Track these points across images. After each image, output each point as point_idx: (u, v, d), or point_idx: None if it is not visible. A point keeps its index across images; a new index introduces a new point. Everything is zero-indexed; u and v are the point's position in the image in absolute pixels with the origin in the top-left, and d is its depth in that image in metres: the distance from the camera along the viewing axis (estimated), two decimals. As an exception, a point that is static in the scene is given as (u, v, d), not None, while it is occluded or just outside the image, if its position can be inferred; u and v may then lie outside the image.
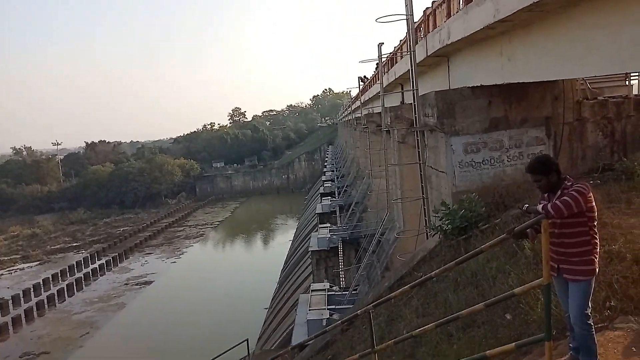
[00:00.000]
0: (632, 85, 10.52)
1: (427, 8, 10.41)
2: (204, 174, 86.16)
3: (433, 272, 4.09)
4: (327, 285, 19.13)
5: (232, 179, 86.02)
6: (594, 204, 3.70)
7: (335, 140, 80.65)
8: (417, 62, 11.34)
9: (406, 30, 10.83)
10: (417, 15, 11.16)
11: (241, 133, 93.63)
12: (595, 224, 3.75)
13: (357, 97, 34.90)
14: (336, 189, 40.64)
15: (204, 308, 36.69)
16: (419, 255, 9.24)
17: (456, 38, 8.20)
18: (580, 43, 5.44)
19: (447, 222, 8.76)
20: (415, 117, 10.80)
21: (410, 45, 10.64)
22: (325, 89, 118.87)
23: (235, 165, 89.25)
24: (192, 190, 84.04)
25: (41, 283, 44.15)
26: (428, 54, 10.46)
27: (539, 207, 3.66)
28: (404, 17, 10.44)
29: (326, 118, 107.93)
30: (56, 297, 41.86)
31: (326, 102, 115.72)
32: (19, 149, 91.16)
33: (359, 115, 32.22)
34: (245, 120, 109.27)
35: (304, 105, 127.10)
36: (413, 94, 10.61)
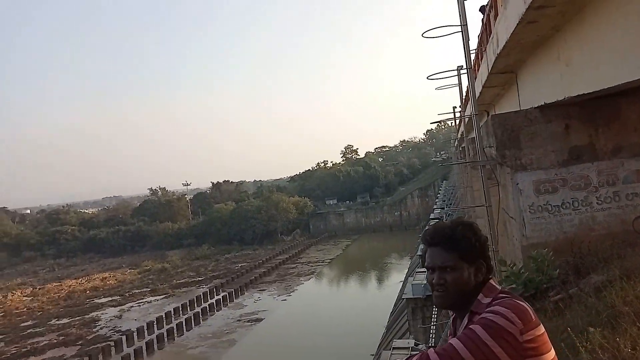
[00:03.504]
0: None
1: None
2: (317, 211, 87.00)
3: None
4: (411, 342, 16.77)
5: (344, 216, 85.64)
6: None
7: (450, 175, 76.62)
8: (484, 82, 9.31)
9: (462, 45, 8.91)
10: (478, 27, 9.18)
11: (353, 170, 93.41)
12: None
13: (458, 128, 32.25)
14: (443, 228, 37.47)
15: (311, 350, 35.80)
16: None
17: (502, 44, 6.22)
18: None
19: (507, 287, 6.55)
20: (477, 149, 8.71)
21: (466, 61, 8.69)
22: (440, 123, 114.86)
23: (347, 202, 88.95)
24: (306, 227, 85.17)
25: (164, 316, 46.70)
26: (490, 71, 8.42)
27: None
28: (458, 28, 8.55)
29: (441, 152, 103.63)
30: (175, 331, 43.91)
31: (441, 136, 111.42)
32: (155, 189, 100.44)
33: (463, 147, 29.51)
34: (357, 157, 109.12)
35: (417, 140, 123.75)
36: (473, 119, 8.57)
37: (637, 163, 6.93)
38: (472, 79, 8.74)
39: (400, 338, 26.29)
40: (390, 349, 16.36)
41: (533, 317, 1.69)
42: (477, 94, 11.64)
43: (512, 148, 7.22)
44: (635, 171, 6.94)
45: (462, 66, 14.56)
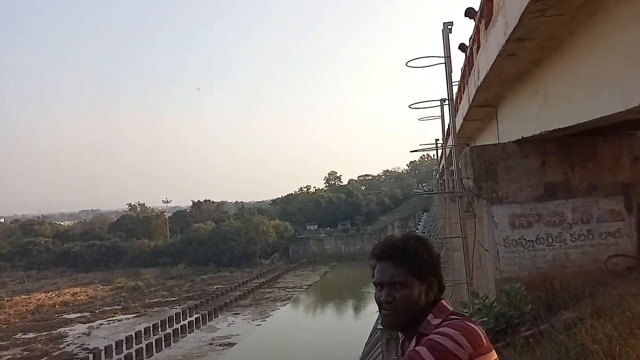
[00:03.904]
0: None
1: (467, 47, 8.59)
2: (298, 236, 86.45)
3: None
4: (383, 373, 16.57)
5: (324, 242, 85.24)
6: None
7: (431, 207, 77.14)
8: (465, 115, 9.41)
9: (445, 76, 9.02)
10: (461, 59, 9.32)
11: (335, 197, 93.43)
12: None
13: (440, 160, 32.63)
14: (422, 259, 37.50)
15: (283, 378, 35.03)
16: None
17: (483, 76, 6.30)
18: (617, 55, 3.39)
19: (479, 320, 6.46)
20: (455, 180, 8.74)
21: (448, 93, 8.79)
22: (423, 155, 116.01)
23: (328, 228, 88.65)
24: (285, 251, 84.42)
25: (133, 336, 45.35)
26: (471, 104, 8.52)
27: None
28: (441, 59, 8.67)
29: (423, 184, 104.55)
30: (144, 351, 42.59)
31: (423, 167, 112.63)
32: (134, 205, 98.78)
33: (444, 179, 29.77)
34: (340, 184, 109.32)
35: (400, 170, 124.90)
36: (452, 152, 8.62)
37: (610, 202, 7.00)
38: (452, 110, 8.84)
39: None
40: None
41: (484, 341, 1.59)
42: (458, 127, 11.78)
43: (488, 180, 7.25)
44: (609, 210, 7.00)
45: (445, 98, 14.80)
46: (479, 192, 7.38)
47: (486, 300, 6.36)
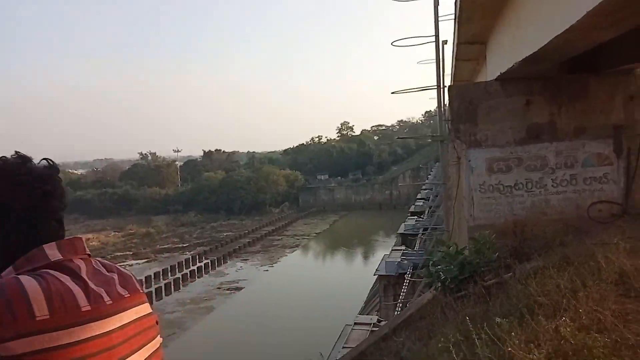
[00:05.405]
0: None
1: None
2: (308, 186, 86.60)
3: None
4: (374, 318, 16.68)
5: (334, 191, 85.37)
6: None
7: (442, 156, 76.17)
8: (456, 53, 8.73)
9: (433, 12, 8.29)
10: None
11: (347, 147, 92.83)
12: None
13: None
14: (427, 208, 37.45)
15: (288, 320, 35.80)
16: (408, 312, 6.68)
17: (459, 4, 5.64)
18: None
19: (444, 268, 6.14)
20: (439, 123, 8.21)
21: (435, 29, 8.11)
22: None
23: (338, 178, 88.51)
24: (295, 200, 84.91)
25: (143, 280, 46.39)
26: (458, 40, 7.83)
27: None
28: (428, -8, 7.93)
29: (436, 133, 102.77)
30: (154, 295, 43.83)
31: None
32: (145, 154, 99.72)
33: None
34: (353, 134, 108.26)
35: (415, 120, 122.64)
36: (438, 93, 8.04)
37: (599, 146, 6.44)
38: (437, 48, 8.19)
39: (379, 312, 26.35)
40: (352, 324, 16.22)
41: (40, 313, 0.96)
42: (453, 68, 11.08)
43: (467, 122, 6.72)
44: (596, 154, 6.45)
45: (447, 41, 13.90)
46: (456, 135, 6.87)
47: (450, 248, 6.01)
